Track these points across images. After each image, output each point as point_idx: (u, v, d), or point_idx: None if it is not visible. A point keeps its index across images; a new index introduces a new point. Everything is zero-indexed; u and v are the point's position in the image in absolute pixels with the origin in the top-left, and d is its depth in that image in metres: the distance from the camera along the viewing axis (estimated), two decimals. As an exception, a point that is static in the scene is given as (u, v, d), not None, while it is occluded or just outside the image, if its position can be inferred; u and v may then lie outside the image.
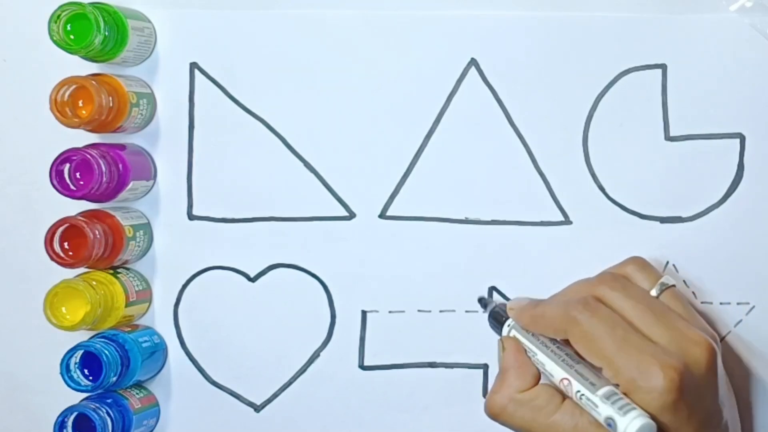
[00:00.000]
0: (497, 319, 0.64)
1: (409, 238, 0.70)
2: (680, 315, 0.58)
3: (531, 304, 0.62)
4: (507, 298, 0.70)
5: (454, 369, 0.70)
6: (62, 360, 0.66)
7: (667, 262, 0.69)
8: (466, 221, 0.70)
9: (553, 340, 0.60)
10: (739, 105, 0.68)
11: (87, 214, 0.68)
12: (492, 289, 0.70)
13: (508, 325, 0.63)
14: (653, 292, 0.60)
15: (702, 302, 0.69)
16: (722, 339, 0.69)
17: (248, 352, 0.71)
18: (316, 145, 0.70)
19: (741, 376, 0.69)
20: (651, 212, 0.69)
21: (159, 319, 0.71)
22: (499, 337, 0.64)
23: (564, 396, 0.58)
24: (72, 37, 0.65)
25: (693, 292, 0.69)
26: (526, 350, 0.61)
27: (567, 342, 0.59)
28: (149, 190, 0.71)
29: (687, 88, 0.68)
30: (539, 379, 0.60)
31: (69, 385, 0.66)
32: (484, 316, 0.70)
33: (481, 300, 0.68)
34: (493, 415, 0.60)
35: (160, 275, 0.71)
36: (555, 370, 0.58)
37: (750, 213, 0.68)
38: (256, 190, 0.70)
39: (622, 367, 0.55)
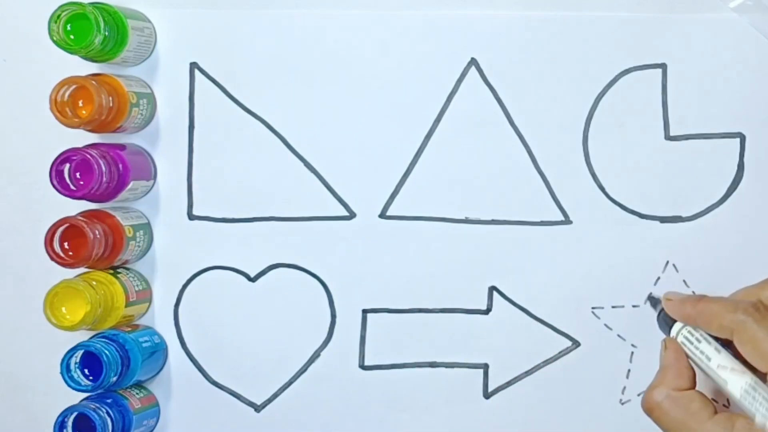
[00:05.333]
0: (667, 319, 0.64)
1: (409, 238, 0.70)
2: None
3: (693, 298, 0.62)
4: (507, 299, 0.70)
5: (454, 369, 0.70)
6: (62, 360, 0.66)
7: (667, 262, 0.69)
8: (466, 221, 0.70)
9: (718, 344, 0.60)
10: (739, 105, 0.68)
11: (87, 214, 0.68)
12: (492, 288, 0.70)
13: (678, 330, 0.63)
14: None
15: (702, 302, 0.69)
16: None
17: (248, 352, 0.71)
18: (316, 145, 0.70)
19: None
20: (651, 212, 0.69)
21: (159, 319, 0.71)
22: (663, 337, 0.63)
23: (715, 409, 0.58)
24: (72, 37, 0.65)
25: (693, 292, 0.69)
26: (689, 355, 0.61)
27: (728, 341, 0.59)
28: (149, 190, 0.71)
29: (687, 87, 0.68)
30: (695, 382, 0.60)
31: (69, 385, 0.66)
32: (485, 317, 0.70)
33: (651, 299, 0.68)
34: (648, 409, 0.60)
35: (160, 275, 0.71)
36: (733, 378, 0.58)
37: (750, 213, 0.68)
38: (256, 190, 0.70)
39: None
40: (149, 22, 0.70)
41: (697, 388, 0.60)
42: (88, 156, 0.66)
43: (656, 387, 0.60)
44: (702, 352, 0.60)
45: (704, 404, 0.58)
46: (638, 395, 0.69)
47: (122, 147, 0.69)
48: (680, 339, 0.62)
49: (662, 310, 0.64)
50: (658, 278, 0.69)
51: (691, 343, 0.61)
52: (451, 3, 0.69)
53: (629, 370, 0.69)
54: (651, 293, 0.68)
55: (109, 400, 0.68)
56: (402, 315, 0.70)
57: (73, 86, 0.65)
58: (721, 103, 0.68)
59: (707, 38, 0.68)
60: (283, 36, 0.70)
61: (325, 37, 0.69)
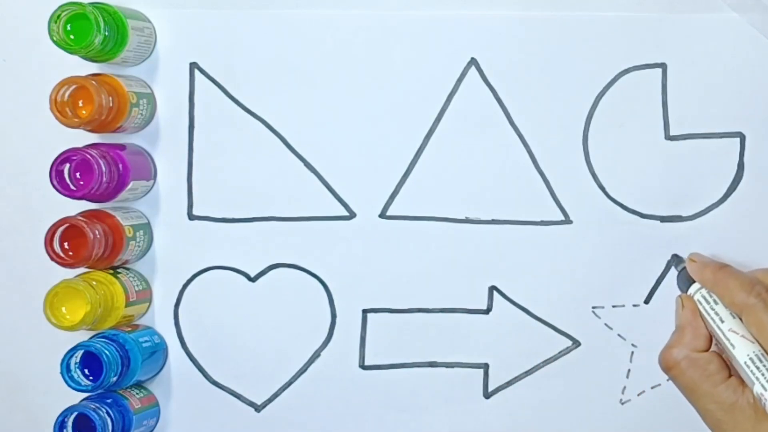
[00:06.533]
0: (686, 279, 0.64)
1: (409, 237, 0.70)
2: None
3: (715, 265, 0.63)
4: (508, 298, 0.70)
5: (454, 369, 0.70)
6: (62, 360, 0.66)
7: (668, 262, 0.69)
8: (466, 221, 0.70)
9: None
10: (739, 105, 0.68)
11: (87, 214, 0.68)
12: (492, 288, 0.70)
13: (697, 290, 0.63)
14: None
15: (702, 302, 0.69)
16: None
17: (248, 351, 0.71)
18: (316, 145, 0.70)
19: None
20: (651, 211, 0.69)
21: (159, 319, 0.71)
22: (679, 294, 0.64)
23: (730, 371, 0.60)
24: (72, 37, 0.65)
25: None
26: (702, 314, 0.62)
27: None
28: (149, 190, 0.71)
29: (687, 87, 0.68)
30: (711, 342, 0.62)
31: (69, 385, 0.66)
32: (485, 316, 0.70)
33: (673, 257, 0.68)
34: (666, 367, 0.62)
35: (160, 275, 0.71)
36: (741, 344, 0.59)
37: (750, 212, 0.68)
38: (256, 190, 0.70)
39: None
40: (149, 22, 0.70)
41: (712, 349, 0.61)
42: (88, 156, 0.66)
43: (675, 346, 0.62)
44: (717, 314, 0.61)
45: (720, 367, 0.60)
46: (638, 395, 0.69)
47: (122, 147, 0.69)
48: (697, 297, 0.63)
49: (683, 269, 0.65)
50: (659, 278, 0.69)
51: (708, 303, 0.62)
52: (451, 3, 0.69)
53: (629, 370, 0.69)
54: (675, 253, 0.68)
55: (109, 400, 0.68)
56: (402, 315, 0.70)
57: (73, 86, 0.65)
58: (721, 103, 0.68)
59: (707, 38, 0.68)
60: (283, 36, 0.70)
61: (325, 37, 0.69)
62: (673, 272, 0.68)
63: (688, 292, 0.64)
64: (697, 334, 0.62)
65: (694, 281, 0.64)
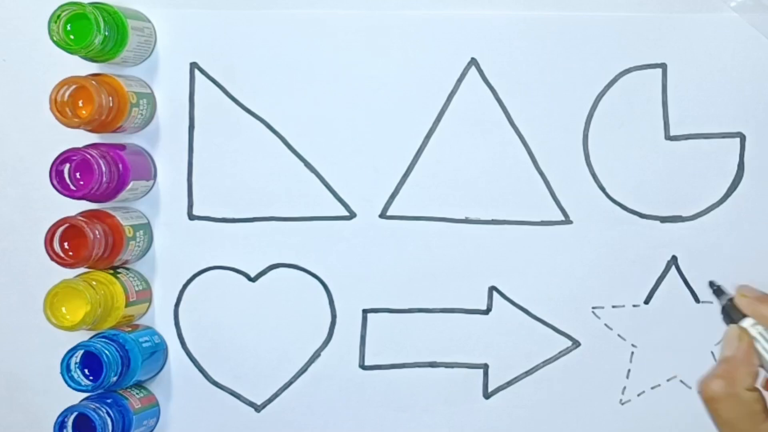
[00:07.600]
0: (734, 312, 0.61)
1: (409, 238, 0.70)
2: None
3: (765, 296, 0.61)
4: (507, 299, 0.70)
5: (454, 369, 0.70)
6: (62, 360, 0.66)
7: (668, 262, 0.69)
8: (466, 221, 0.70)
9: None
10: (739, 105, 0.68)
11: (87, 214, 0.68)
12: (492, 288, 0.70)
13: (752, 325, 0.60)
14: None
15: (702, 301, 0.69)
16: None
17: (249, 352, 0.71)
18: (316, 145, 0.70)
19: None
20: (651, 211, 0.69)
21: (159, 319, 0.71)
22: (730, 324, 0.61)
23: None
24: (72, 37, 0.65)
25: (694, 291, 0.69)
26: (759, 351, 0.59)
27: None
28: (149, 190, 0.71)
29: (687, 87, 0.68)
30: (756, 379, 0.59)
31: (69, 385, 0.66)
32: (485, 317, 0.70)
33: (715, 289, 0.64)
34: (708, 398, 0.58)
35: (160, 275, 0.71)
36: None
37: (750, 212, 0.68)
38: (256, 190, 0.70)
39: None
40: (149, 22, 0.70)
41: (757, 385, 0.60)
42: (88, 156, 0.66)
43: (723, 378, 0.58)
44: None
45: (764, 407, 0.58)
46: (638, 395, 0.69)
47: (122, 147, 0.69)
48: (753, 333, 0.60)
49: (728, 301, 0.62)
50: (659, 278, 0.69)
51: (765, 339, 0.59)
52: (451, 3, 0.69)
53: (629, 370, 0.69)
54: (713, 281, 0.64)
55: (109, 400, 0.68)
56: (402, 315, 0.70)
57: (73, 86, 0.65)
58: (721, 103, 0.68)
59: (707, 38, 0.68)
60: (282, 36, 0.70)
61: (325, 37, 0.69)
62: (673, 273, 0.68)
63: (744, 324, 0.61)
64: (749, 372, 0.59)
65: (743, 315, 0.60)
